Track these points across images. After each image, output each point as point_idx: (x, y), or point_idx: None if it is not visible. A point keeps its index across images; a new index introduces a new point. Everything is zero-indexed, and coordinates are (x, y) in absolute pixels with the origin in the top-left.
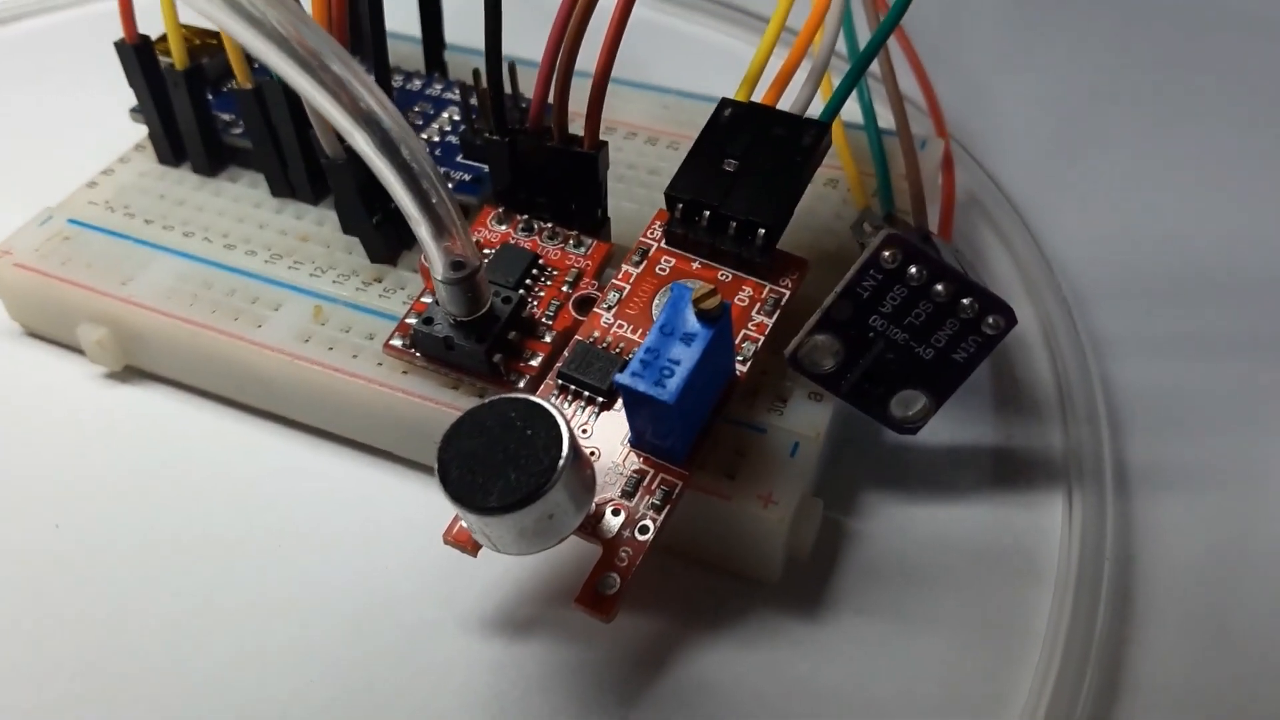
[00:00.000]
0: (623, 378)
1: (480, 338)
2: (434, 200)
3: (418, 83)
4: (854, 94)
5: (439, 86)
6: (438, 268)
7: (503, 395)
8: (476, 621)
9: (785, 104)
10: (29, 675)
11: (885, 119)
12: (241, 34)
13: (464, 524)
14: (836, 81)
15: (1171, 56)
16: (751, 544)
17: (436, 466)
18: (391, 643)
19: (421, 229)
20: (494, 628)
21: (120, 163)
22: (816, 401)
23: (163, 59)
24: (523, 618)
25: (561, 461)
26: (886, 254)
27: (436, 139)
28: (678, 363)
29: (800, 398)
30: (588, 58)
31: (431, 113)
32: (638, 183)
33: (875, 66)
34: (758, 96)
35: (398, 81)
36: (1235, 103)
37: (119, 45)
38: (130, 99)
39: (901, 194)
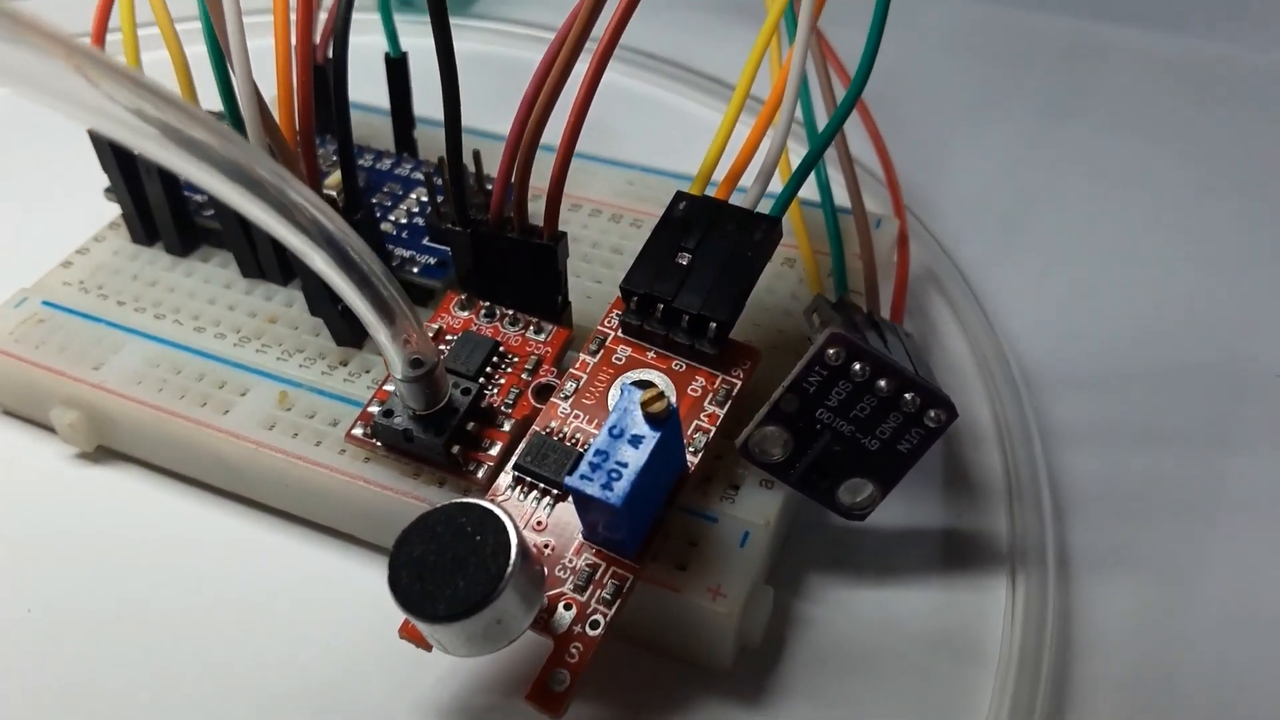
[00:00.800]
0: (572, 480)
1: (439, 430)
2: (389, 302)
3: (387, 162)
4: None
5: (408, 166)
6: (396, 367)
7: (455, 500)
8: (431, 709)
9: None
10: None
11: (843, 195)
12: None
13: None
14: (797, 154)
15: (1129, 127)
16: (702, 635)
17: (388, 574)
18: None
19: (379, 333)
20: (448, 716)
21: (95, 241)
22: (768, 489)
23: None
24: (477, 707)
25: (509, 569)
26: (830, 352)
27: (404, 220)
28: (626, 465)
29: (752, 484)
30: (554, 132)
31: (400, 193)
32: (601, 262)
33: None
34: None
35: (367, 160)
36: (1195, 176)
37: (91, 133)
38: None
39: (856, 273)
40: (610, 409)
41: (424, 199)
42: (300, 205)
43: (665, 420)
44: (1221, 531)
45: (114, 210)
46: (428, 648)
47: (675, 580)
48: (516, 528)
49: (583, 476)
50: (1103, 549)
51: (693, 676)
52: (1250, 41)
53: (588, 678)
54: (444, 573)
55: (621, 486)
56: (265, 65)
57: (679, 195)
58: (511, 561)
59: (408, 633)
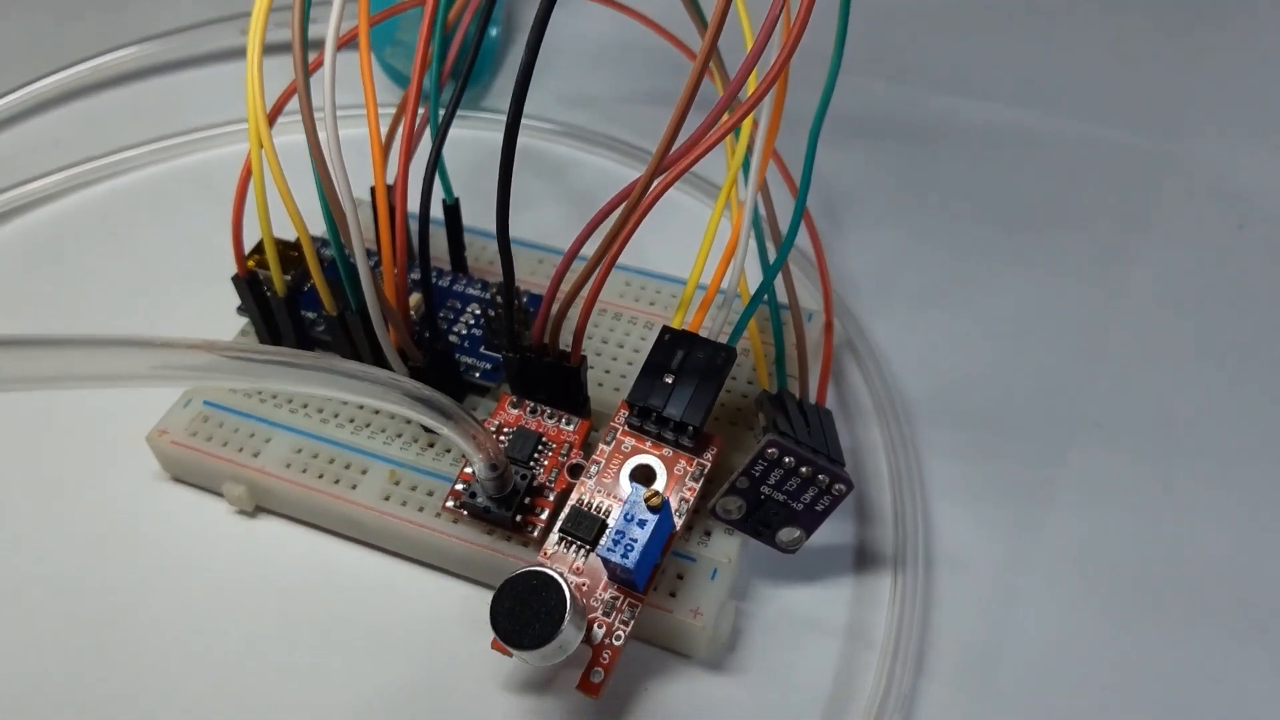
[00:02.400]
0: (601, 550)
1: (508, 507)
2: (476, 435)
3: (447, 280)
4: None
5: (463, 283)
6: (481, 472)
7: (528, 569)
8: (513, 694)
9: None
10: None
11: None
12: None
13: None
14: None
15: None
16: (686, 639)
17: (490, 618)
18: (458, 703)
19: (471, 456)
20: (523, 697)
21: None
22: (729, 534)
23: (258, 270)
24: (543, 690)
25: (566, 618)
26: (770, 450)
27: (464, 332)
28: (635, 540)
29: (719, 533)
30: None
31: (459, 308)
32: (608, 355)
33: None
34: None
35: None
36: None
37: (234, 279)
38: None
39: (793, 359)
40: (623, 496)
41: (477, 313)
42: (407, 386)
43: (659, 509)
44: (1047, 535)
45: (242, 320)
46: (509, 654)
47: (668, 605)
48: (569, 586)
49: (608, 548)
50: (953, 558)
51: (678, 661)
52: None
53: (616, 672)
54: (525, 618)
55: (634, 555)
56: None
57: (664, 329)
58: (568, 611)
59: (496, 646)
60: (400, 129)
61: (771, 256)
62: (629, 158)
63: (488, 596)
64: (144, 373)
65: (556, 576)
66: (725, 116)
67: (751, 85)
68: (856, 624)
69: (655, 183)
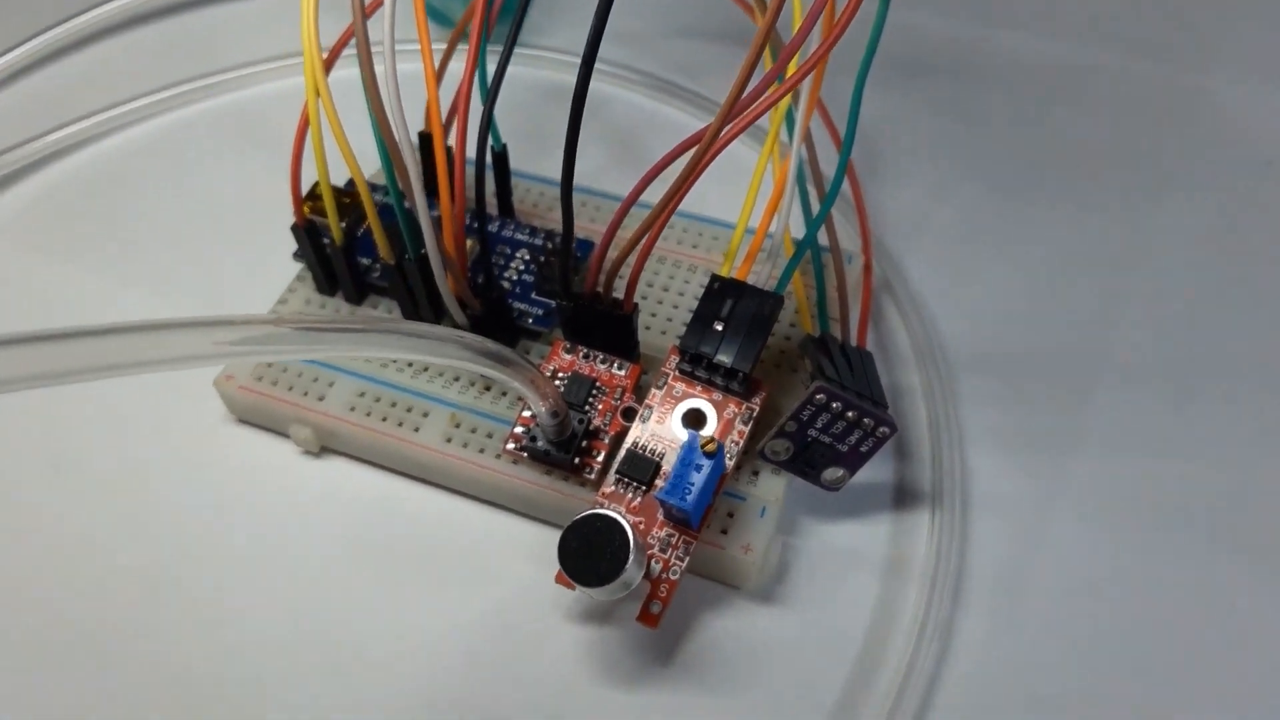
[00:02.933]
0: (660, 494)
1: (567, 450)
2: (539, 383)
3: (495, 225)
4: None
5: (511, 228)
6: (542, 418)
7: (593, 511)
8: (577, 619)
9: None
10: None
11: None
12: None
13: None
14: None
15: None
16: (736, 573)
17: (558, 556)
18: (524, 634)
19: (534, 403)
20: (585, 627)
21: (289, 293)
22: (776, 475)
23: (314, 218)
24: (604, 620)
25: (630, 558)
26: (818, 396)
27: (515, 278)
28: (693, 484)
29: (766, 472)
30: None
31: (509, 253)
32: (653, 299)
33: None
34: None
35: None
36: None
37: (294, 229)
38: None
39: (833, 302)
40: (676, 439)
41: (527, 258)
42: (473, 342)
43: (714, 454)
44: (1078, 470)
45: (296, 266)
46: (572, 588)
47: (720, 541)
48: (631, 528)
49: (667, 492)
50: (986, 495)
51: (728, 593)
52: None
53: (672, 604)
54: (591, 556)
55: (691, 497)
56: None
57: (714, 278)
58: (631, 552)
59: (560, 580)
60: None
61: (814, 200)
62: (667, 95)
63: (547, 531)
64: (210, 352)
65: (620, 519)
66: (793, 64)
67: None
68: (895, 558)
69: (726, 129)
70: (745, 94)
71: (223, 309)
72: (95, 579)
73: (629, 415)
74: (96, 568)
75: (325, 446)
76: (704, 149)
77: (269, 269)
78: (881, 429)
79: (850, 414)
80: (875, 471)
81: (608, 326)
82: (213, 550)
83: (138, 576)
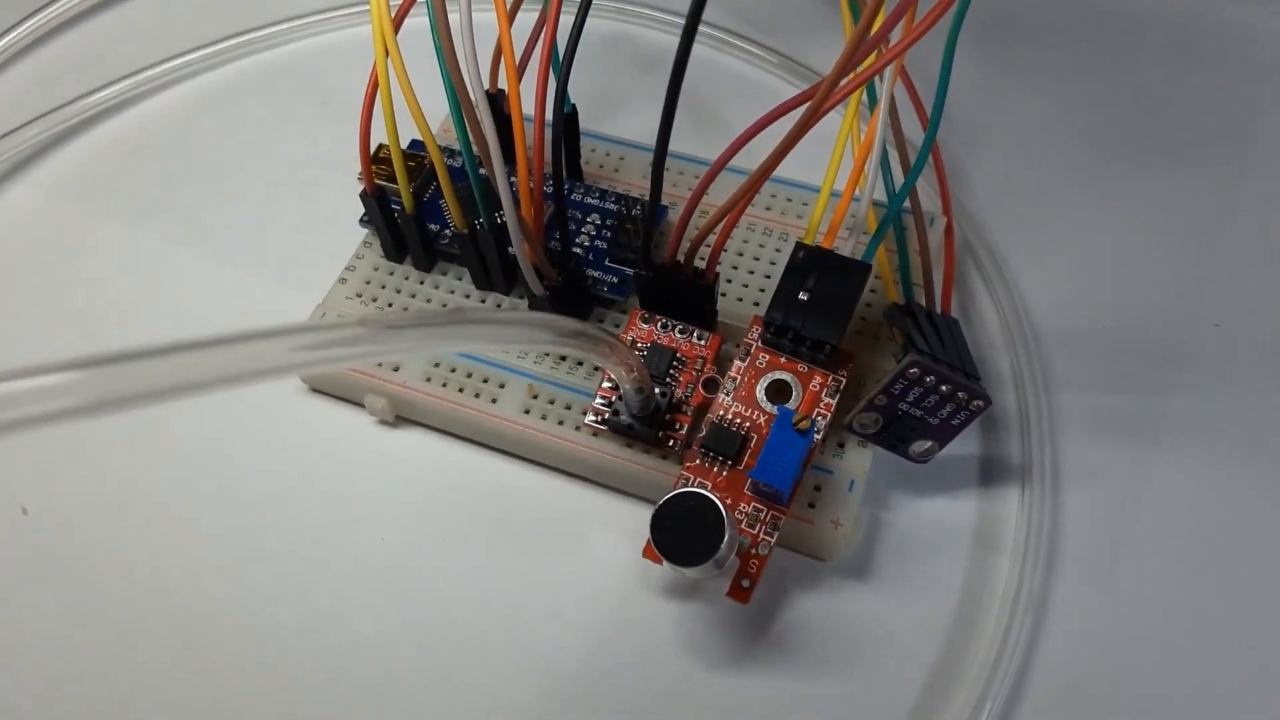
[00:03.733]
0: (754, 474)
1: (650, 424)
2: (630, 366)
3: (565, 189)
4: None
5: (581, 191)
6: (628, 394)
7: (686, 489)
8: (663, 594)
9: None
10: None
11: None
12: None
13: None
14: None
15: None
16: (824, 547)
17: (651, 536)
18: (609, 608)
19: (622, 382)
20: (671, 602)
21: (357, 259)
22: (863, 447)
23: (383, 183)
24: (690, 595)
25: (725, 537)
26: (911, 370)
27: (587, 244)
28: (786, 462)
29: (853, 444)
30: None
31: (580, 218)
32: (728, 264)
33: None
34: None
35: (549, 188)
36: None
37: (363, 196)
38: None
39: (916, 268)
40: (760, 411)
41: (597, 222)
42: (565, 324)
43: (808, 433)
44: (1165, 453)
45: (363, 231)
46: (660, 562)
47: (809, 515)
48: (725, 509)
49: (760, 470)
50: (1077, 470)
51: (816, 566)
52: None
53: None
54: (684, 535)
55: (784, 476)
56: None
57: (798, 245)
58: (726, 531)
59: (648, 554)
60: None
61: (895, 162)
62: (730, 47)
63: (626, 503)
64: (290, 362)
65: (714, 499)
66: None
67: None
68: (984, 530)
69: (842, 83)
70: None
71: (285, 275)
72: (183, 548)
73: (711, 387)
74: (185, 538)
75: (401, 416)
76: (813, 113)
77: (333, 232)
78: (976, 402)
79: (944, 388)
80: (961, 442)
81: (687, 296)
82: (290, 519)
83: (217, 546)
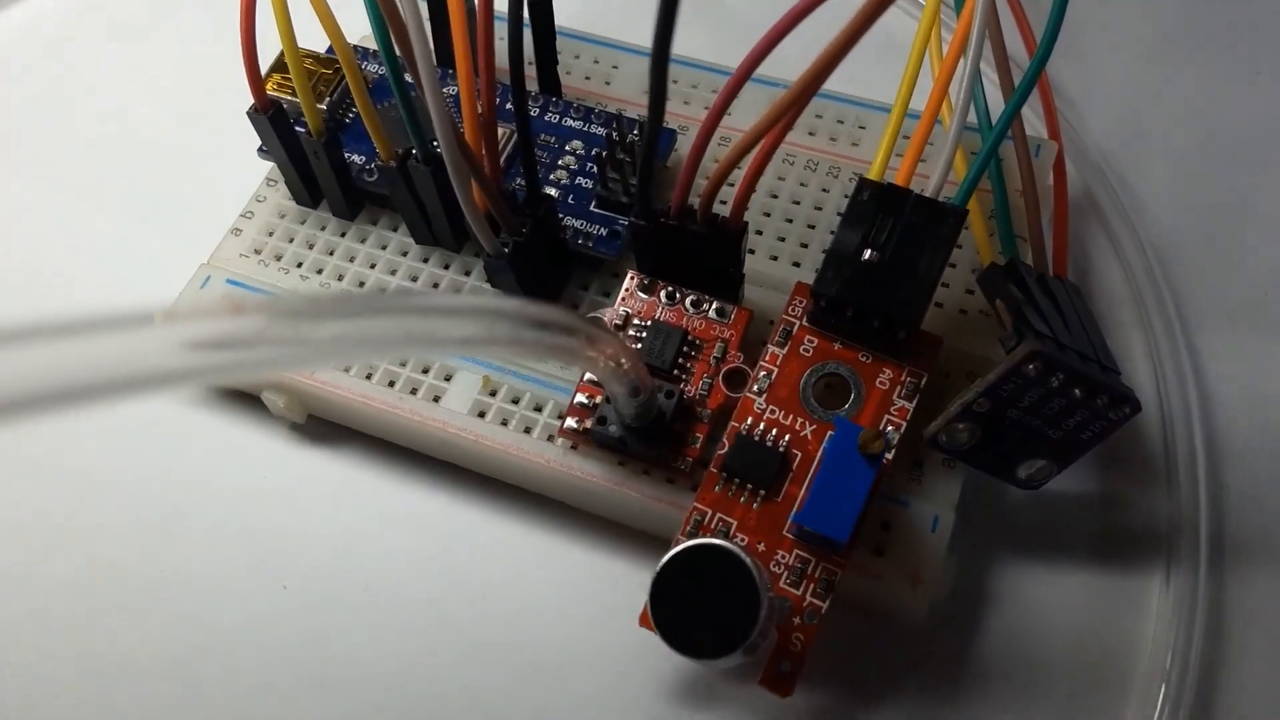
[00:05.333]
0: (802, 517)
1: (651, 437)
2: (620, 364)
3: (535, 109)
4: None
5: (557, 109)
6: (622, 403)
7: (700, 542)
8: (666, 684)
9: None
10: None
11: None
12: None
13: None
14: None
15: None
16: (898, 608)
17: (650, 612)
18: (585, 695)
19: (610, 384)
20: (679, 704)
21: (257, 202)
22: (950, 468)
23: (280, 96)
24: (711, 689)
25: (759, 619)
26: (1030, 367)
27: (566, 180)
28: (845, 500)
29: (935, 464)
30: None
31: (555, 146)
32: (758, 207)
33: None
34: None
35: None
36: None
37: (251, 114)
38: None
39: (1017, 211)
40: (806, 417)
41: (580, 152)
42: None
43: (880, 457)
44: None
45: (265, 165)
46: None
47: (876, 568)
48: (759, 570)
49: (811, 513)
50: (1260, 534)
51: (884, 629)
52: None
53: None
54: (699, 611)
55: (846, 523)
56: None
57: (862, 182)
58: (762, 610)
59: (646, 624)
60: None
61: (987, 78)
62: None
63: (620, 543)
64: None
65: (742, 556)
66: None
67: None
68: (1112, 579)
69: None
70: None
71: (168, 223)
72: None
73: (735, 382)
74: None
75: (316, 417)
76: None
77: (230, 168)
78: (1122, 408)
79: (1076, 390)
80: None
81: (703, 255)
82: (168, 561)
83: (77, 596)
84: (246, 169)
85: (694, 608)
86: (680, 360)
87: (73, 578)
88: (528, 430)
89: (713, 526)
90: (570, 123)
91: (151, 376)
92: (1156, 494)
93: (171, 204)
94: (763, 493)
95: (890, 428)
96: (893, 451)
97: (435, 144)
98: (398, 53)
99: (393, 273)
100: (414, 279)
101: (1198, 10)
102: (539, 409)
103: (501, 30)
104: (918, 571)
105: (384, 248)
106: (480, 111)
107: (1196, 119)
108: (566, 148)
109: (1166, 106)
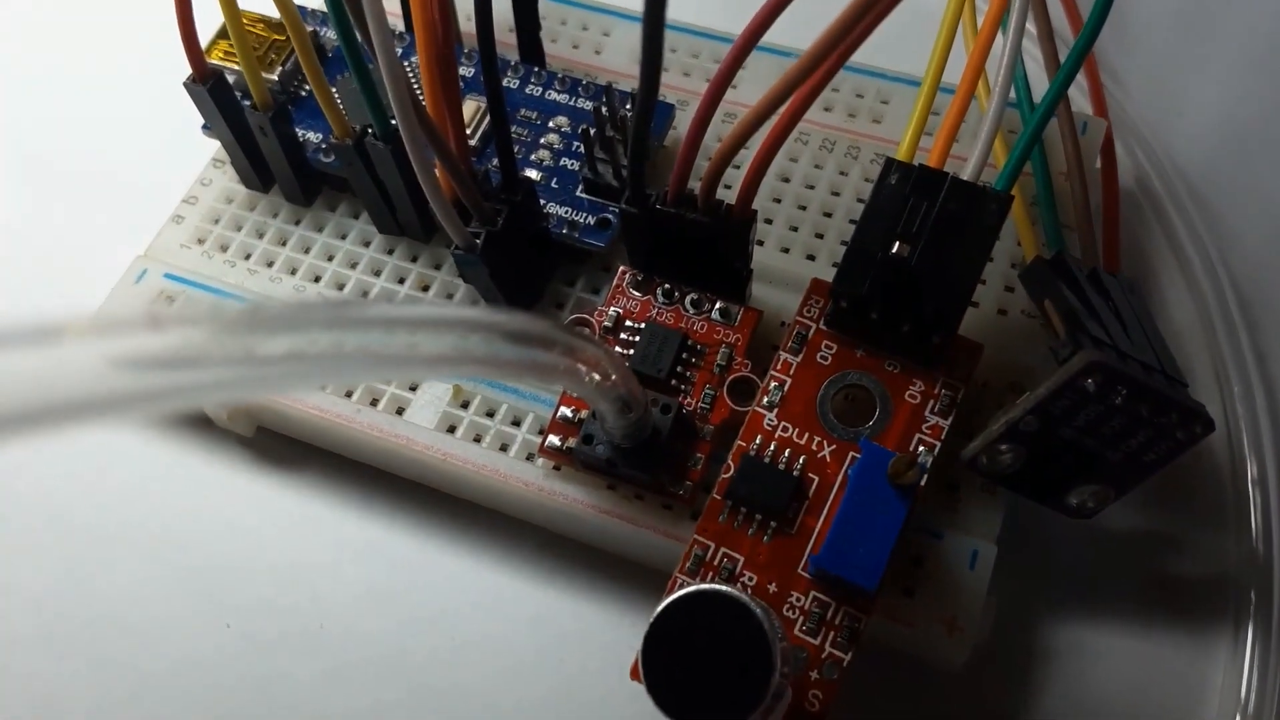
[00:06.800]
0: (822, 560)
1: (643, 459)
2: (606, 373)
3: (515, 80)
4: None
5: (540, 85)
6: (612, 421)
7: (701, 589)
8: None
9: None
10: None
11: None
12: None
13: None
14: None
15: None
16: (933, 654)
17: (642, 670)
18: None
19: (600, 404)
20: None
21: (201, 186)
22: (988, 494)
23: (225, 66)
24: None
25: (772, 682)
26: (1088, 381)
27: (549, 161)
28: (872, 539)
29: (973, 490)
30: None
31: (536, 123)
32: (767, 192)
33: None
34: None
35: (477, 73)
36: None
37: (188, 86)
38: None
39: (1062, 196)
40: (822, 436)
41: (565, 129)
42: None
43: (914, 488)
44: None
45: (212, 144)
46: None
47: (906, 613)
48: (772, 620)
49: (830, 554)
50: None
51: (919, 672)
52: None
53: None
54: (700, 671)
55: (874, 567)
56: None
57: (890, 164)
58: (775, 672)
59: (638, 676)
60: None
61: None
62: None
63: (609, 577)
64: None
65: (750, 605)
66: None
67: None
68: (1173, 626)
69: None
70: None
71: (102, 209)
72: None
73: (739, 391)
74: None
75: (267, 429)
76: None
77: (171, 147)
78: (1193, 426)
79: (1143, 407)
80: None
81: (705, 247)
82: (102, 593)
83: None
84: (191, 148)
85: (694, 666)
86: (679, 369)
87: None
88: (504, 448)
89: (716, 563)
90: (554, 96)
91: (43, 411)
92: (1222, 529)
93: (102, 187)
94: (774, 524)
95: (923, 449)
96: (925, 476)
97: (394, 120)
98: (348, 11)
99: (353, 265)
100: (376, 273)
101: None
102: (517, 423)
103: None
104: (954, 616)
105: (343, 237)
106: (440, 76)
107: (1251, 99)
108: (550, 124)
109: (1209, 80)
